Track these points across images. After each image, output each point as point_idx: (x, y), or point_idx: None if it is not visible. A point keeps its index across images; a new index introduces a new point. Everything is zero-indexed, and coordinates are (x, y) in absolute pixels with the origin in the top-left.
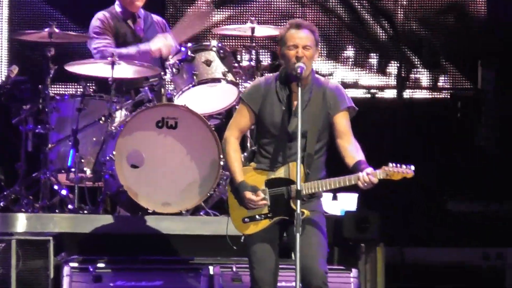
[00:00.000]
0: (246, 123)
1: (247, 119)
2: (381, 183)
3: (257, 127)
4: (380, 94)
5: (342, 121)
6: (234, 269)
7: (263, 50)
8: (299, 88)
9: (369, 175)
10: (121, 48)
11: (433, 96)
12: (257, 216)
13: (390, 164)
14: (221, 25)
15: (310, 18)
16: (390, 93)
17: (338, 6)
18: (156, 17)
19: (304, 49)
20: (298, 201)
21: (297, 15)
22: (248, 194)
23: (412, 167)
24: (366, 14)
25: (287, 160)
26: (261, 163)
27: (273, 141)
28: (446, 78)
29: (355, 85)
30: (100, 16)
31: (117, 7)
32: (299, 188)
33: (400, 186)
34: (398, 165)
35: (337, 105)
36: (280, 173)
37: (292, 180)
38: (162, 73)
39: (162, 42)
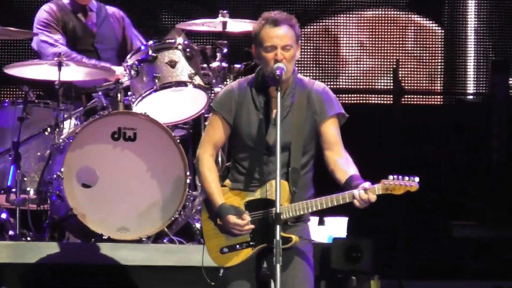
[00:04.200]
0: (221, 137)
1: (221, 132)
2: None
3: (231, 140)
4: (373, 100)
5: (331, 130)
6: None
7: (237, 49)
8: (278, 93)
9: (367, 191)
10: (74, 52)
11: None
12: (237, 246)
13: (391, 177)
14: (187, 19)
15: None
16: (385, 99)
17: None
18: (111, 9)
19: (283, 49)
20: (278, 226)
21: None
22: (233, 218)
23: (417, 179)
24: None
25: (268, 178)
26: (237, 182)
27: (251, 156)
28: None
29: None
30: (46, 9)
31: None
32: (278, 210)
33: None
34: (400, 177)
35: (325, 111)
36: (262, 193)
37: (274, 202)
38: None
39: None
